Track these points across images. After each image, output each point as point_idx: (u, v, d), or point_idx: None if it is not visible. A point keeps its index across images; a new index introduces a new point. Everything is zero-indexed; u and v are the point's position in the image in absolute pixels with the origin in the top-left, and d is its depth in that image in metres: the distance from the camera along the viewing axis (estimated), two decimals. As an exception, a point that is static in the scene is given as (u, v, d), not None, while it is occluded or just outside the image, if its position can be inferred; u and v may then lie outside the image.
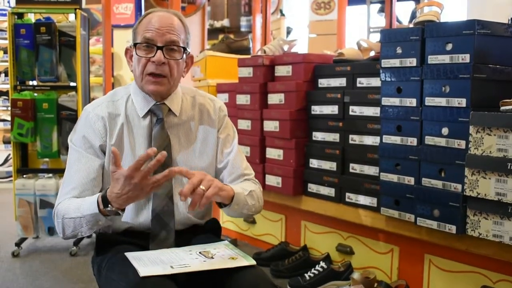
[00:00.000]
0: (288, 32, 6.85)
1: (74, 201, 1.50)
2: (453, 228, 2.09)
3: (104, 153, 1.58)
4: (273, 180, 3.03)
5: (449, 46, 2.10)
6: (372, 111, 2.55)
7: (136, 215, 1.58)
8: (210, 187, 1.40)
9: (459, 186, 2.08)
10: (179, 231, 1.61)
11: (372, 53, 2.83)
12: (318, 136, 2.87)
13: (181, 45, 1.58)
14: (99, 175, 1.56)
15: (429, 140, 2.19)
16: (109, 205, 1.39)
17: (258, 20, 5.02)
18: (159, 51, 1.54)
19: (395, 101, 2.32)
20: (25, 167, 3.42)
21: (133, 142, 1.60)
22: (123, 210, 1.42)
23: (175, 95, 1.65)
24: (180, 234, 1.61)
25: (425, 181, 2.21)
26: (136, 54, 1.57)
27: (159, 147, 1.54)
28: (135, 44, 1.57)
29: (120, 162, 1.37)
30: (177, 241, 1.59)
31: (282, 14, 6.89)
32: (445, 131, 2.13)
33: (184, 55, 1.60)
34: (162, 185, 1.40)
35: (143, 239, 1.58)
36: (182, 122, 1.65)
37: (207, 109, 1.70)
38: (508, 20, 2.61)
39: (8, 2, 6.28)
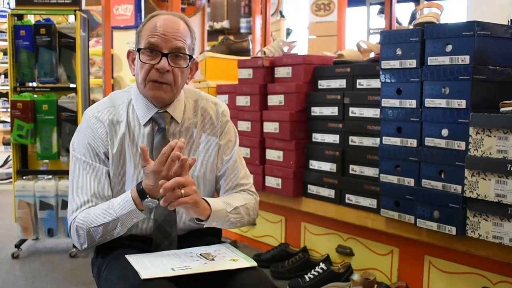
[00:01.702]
0: (288, 34, 6.86)
1: (95, 209, 1.49)
2: (453, 230, 2.09)
3: (108, 159, 1.55)
4: (273, 182, 3.03)
5: (449, 48, 2.10)
6: (372, 113, 2.55)
7: (138, 224, 1.54)
8: (188, 196, 1.39)
9: (459, 188, 2.08)
10: (180, 236, 1.60)
11: (372, 55, 2.84)
12: (318, 137, 2.87)
13: (187, 52, 1.53)
14: (108, 182, 1.55)
15: (429, 141, 2.19)
16: (147, 196, 1.43)
17: (258, 21, 5.03)
18: (163, 59, 1.49)
19: (395, 102, 2.33)
20: (25, 169, 3.42)
21: (135, 151, 1.56)
22: (159, 198, 1.45)
23: (178, 102, 1.61)
24: (181, 238, 1.60)
25: (425, 183, 2.21)
26: (140, 59, 1.52)
27: None
28: (138, 49, 1.52)
29: (148, 157, 1.41)
30: (178, 245, 1.58)
31: (282, 16, 6.90)
32: (445, 132, 2.13)
33: (189, 62, 1.56)
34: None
35: (144, 242, 1.57)
36: (184, 129, 1.62)
37: (210, 114, 1.66)
38: (508, 22, 2.62)
39: (8, 3, 6.28)
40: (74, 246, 3.31)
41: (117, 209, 1.45)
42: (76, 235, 1.51)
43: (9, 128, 3.78)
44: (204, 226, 1.52)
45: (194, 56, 1.59)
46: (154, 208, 1.54)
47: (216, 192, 1.72)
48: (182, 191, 1.38)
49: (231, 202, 1.58)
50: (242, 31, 7.45)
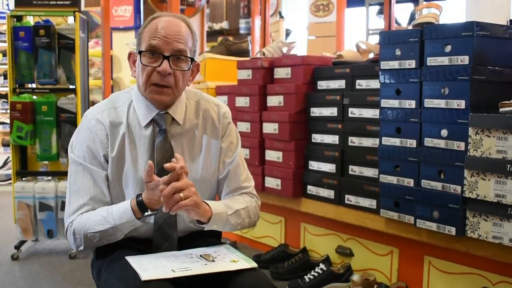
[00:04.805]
0: (287, 34, 6.86)
1: (94, 215, 1.49)
2: (452, 230, 2.09)
3: (107, 162, 1.54)
4: (272, 182, 3.03)
5: (448, 48, 2.10)
6: (371, 113, 2.55)
7: (138, 227, 1.53)
8: (188, 198, 1.38)
9: (458, 188, 2.08)
10: (180, 237, 1.60)
11: (371, 55, 2.84)
12: (317, 138, 2.87)
13: (189, 54, 1.52)
14: (106, 186, 1.54)
15: (429, 142, 2.19)
16: (148, 210, 1.44)
17: (257, 22, 5.02)
18: (165, 61, 1.47)
19: (394, 103, 2.33)
20: (24, 170, 3.42)
21: (134, 153, 1.55)
22: (158, 209, 1.47)
23: (179, 103, 1.60)
24: (181, 239, 1.60)
25: (425, 183, 2.21)
26: (141, 62, 1.50)
27: (162, 159, 1.51)
28: (140, 52, 1.51)
29: (153, 174, 1.39)
30: (178, 246, 1.57)
31: (281, 16, 6.90)
32: (444, 132, 2.13)
33: (191, 65, 1.54)
34: None
35: (144, 244, 1.57)
36: (186, 130, 1.61)
37: (211, 116, 1.65)
38: (507, 22, 2.62)
39: (7, 5, 6.28)
40: (73, 247, 3.31)
41: (116, 218, 1.45)
42: (73, 238, 1.51)
43: (8, 129, 3.78)
44: (205, 229, 1.52)
45: (195, 58, 1.57)
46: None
47: (217, 195, 1.72)
48: (181, 194, 1.37)
49: (232, 205, 1.57)
50: (241, 32, 7.45)
